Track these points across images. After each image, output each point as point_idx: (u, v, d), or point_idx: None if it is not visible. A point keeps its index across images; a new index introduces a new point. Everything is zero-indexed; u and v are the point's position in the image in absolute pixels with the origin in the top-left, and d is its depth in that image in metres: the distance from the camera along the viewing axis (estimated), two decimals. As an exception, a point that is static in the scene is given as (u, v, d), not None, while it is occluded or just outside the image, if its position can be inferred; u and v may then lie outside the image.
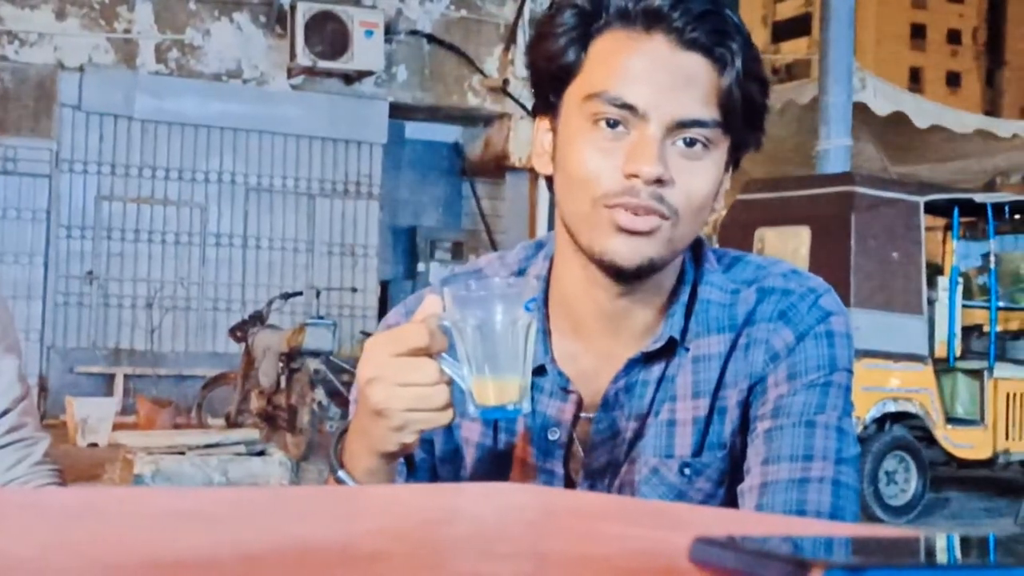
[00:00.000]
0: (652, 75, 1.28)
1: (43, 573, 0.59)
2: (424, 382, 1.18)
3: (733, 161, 1.37)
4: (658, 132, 1.27)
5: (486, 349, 1.17)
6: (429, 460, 1.44)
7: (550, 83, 1.35)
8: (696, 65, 1.28)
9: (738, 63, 1.29)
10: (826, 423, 1.33)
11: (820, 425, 1.33)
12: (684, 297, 1.38)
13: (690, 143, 1.29)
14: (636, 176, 1.26)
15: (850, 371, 1.37)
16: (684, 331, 1.37)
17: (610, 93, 1.28)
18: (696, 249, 1.41)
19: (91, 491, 0.94)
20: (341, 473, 1.28)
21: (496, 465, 1.41)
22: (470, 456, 1.42)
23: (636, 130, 1.28)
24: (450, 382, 1.19)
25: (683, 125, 1.28)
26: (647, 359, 1.37)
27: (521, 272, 1.42)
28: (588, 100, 1.29)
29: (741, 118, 1.31)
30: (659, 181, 1.26)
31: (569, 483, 1.39)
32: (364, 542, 0.72)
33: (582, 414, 1.39)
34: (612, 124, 1.28)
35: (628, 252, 1.28)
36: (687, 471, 1.36)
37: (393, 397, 1.18)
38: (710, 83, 1.29)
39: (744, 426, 1.37)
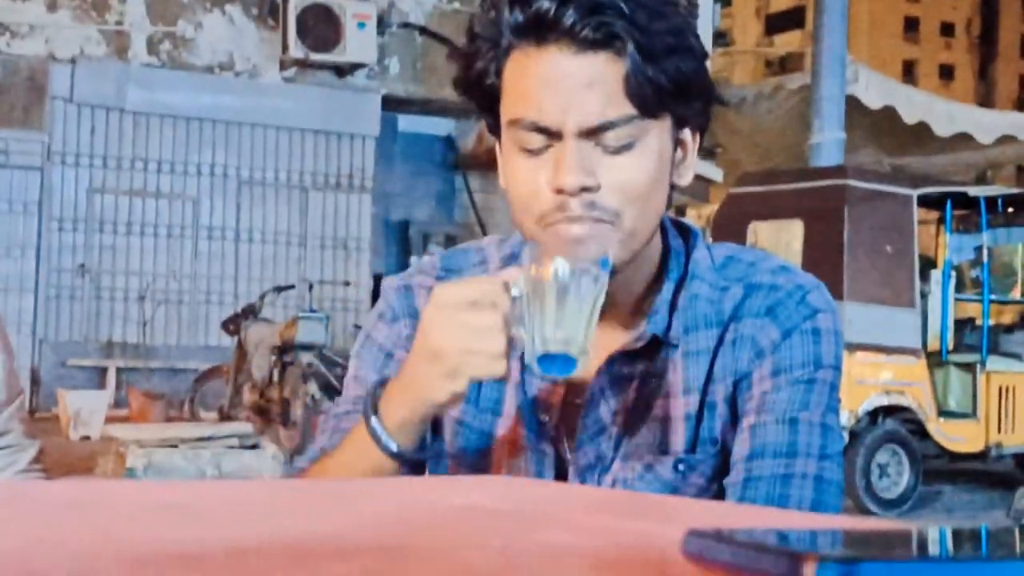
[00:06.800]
0: (555, 90, 1.26)
1: (27, 567, 0.58)
2: (485, 326, 1.18)
3: (698, 128, 1.35)
4: (573, 143, 1.26)
5: (558, 295, 1.18)
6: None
7: (483, 107, 1.35)
8: (598, 65, 1.25)
9: (631, 49, 1.24)
10: (810, 420, 1.33)
11: (804, 422, 1.33)
12: (668, 294, 1.37)
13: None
14: (562, 191, 1.26)
15: (837, 368, 1.36)
16: (668, 328, 1.36)
17: (524, 120, 1.27)
18: (688, 243, 1.41)
19: (77, 483, 0.94)
20: (374, 420, 1.27)
21: (488, 445, 1.41)
22: (462, 435, 1.42)
23: (556, 144, 1.27)
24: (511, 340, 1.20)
25: (594, 131, 1.26)
26: (631, 355, 1.37)
27: (516, 255, 1.42)
28: (510, 126, 1.30)
29: (666, 98, 1.27)
30: (585, 189, 1.26)
31: (560, 463, 1.39)
32: (354, 535, 0.72)
33: (572, 399, 1.39)
34: (536, 143, 1.28)
35: None
36: (681, 467, 1.36)
37: (452, 336, 1.19)
38: (617, 78, 1.25)
39: (734, 421, 1.37)
